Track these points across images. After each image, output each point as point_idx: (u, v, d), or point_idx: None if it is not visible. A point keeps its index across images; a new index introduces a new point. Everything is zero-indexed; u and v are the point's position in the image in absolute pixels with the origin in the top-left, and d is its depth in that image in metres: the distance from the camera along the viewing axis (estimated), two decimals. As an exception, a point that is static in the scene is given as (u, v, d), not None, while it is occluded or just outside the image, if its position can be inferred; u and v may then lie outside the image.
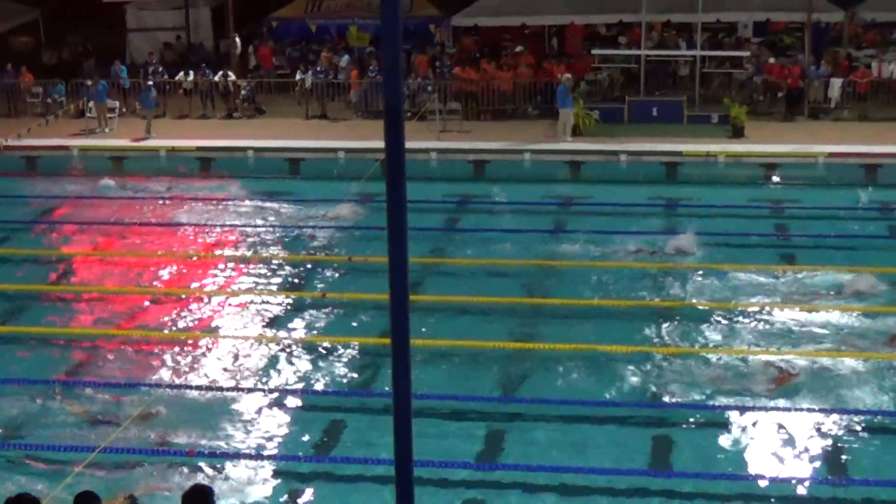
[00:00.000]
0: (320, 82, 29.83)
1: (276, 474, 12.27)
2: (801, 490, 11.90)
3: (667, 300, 17.18)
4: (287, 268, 19.07)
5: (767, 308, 16.50)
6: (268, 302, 17.48)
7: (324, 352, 15.42)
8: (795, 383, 14.02)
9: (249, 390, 14.30)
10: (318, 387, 14.50)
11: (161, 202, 23.29)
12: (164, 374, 14.78)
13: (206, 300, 17.72)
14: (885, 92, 28.37)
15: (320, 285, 18.12)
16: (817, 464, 12.37)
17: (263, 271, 18.89)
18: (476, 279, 18.22)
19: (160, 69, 30.92)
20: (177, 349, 15.67)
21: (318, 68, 30.35)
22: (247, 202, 23.06)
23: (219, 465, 12.30)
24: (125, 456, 12.34)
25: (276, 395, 14.20)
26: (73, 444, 12.62)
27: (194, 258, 19.85)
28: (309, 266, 19.16)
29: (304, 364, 15.10)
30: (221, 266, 19.32)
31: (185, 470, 12.06)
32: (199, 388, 14.33)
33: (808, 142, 25.39)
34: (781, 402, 13.53)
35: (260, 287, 18.14)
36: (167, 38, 35.12)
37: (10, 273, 19.17)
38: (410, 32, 32.46)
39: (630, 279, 17.97)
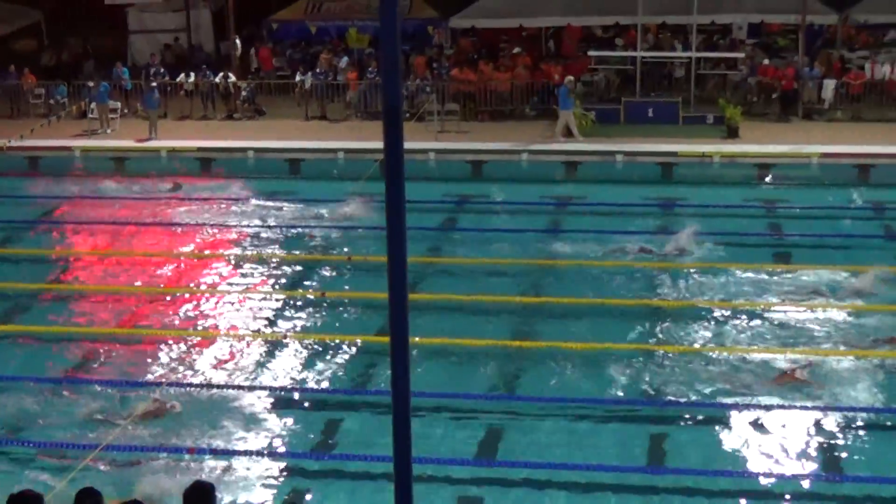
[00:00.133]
0: (320, 83, 29.84)
1: (275, 471, 12.25)
2: (802, 486, 11.87)
3: (662, 299, 17.18)
4: (285, 267, 19.07)
5: (762, 306, 16.51)
6: (265, 300, 17.48)
7: (321, 349, 15.41)
8: (789, 380, 14.02)
9: (249, 388, 14.28)
10: (319, 384, 14.49)
11: (162, 202, 23.29)
12: (166, 372, 14.76)
13: (204, 298, 17.69)
14: (877, 93, 28.41)
15: (320, 284, 18.11)
16: (817, 460, 12.35)
17: (262, 270, 18.89)
18: (474, 278, 18.22)
19: (161, 70, 30.95)
20: (178, 347, 15.65)
21: (318, 70, 30.37)
22: (247, 202, 23.05)
23: (220, 463, 12.28)
24: (127, 454, 12.33)
25: (275, 392, 14.19)
26: (77, 441, 12.61)
27: (193, 257, 19.84)
28: (308, 265, 19.15)
29: (300, 361, 15.08)
30: (219, 265, 19.30)
31: (187, 467, 12.05)
32: (201, 385, 14.30)
33: (801, 142, 25.41)
34: (776, 400, 13.52)
35: (258, 285, 18.13)
36: (168, 40, 35.13)
37: (13, 272, 19.16)
38: (409, 34, 32.48)
39: (626, 278, 17.97)
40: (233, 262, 19.40)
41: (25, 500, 7.15)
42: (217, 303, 17.51)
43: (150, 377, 14.64)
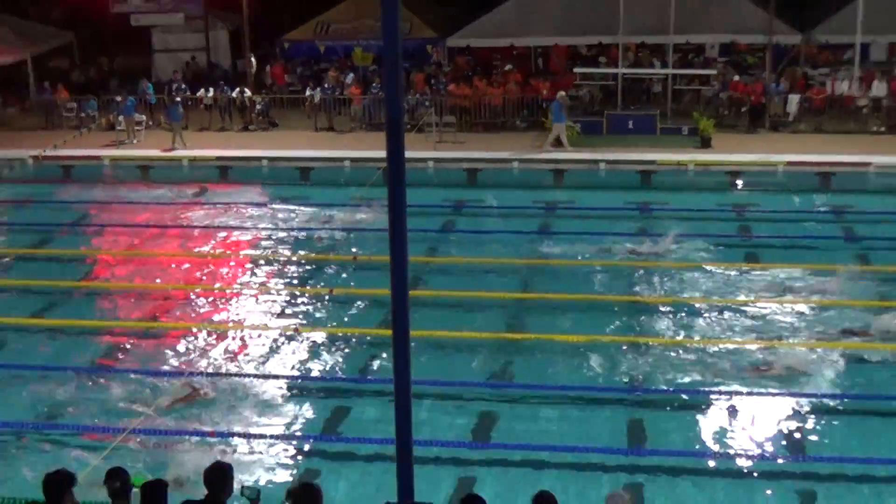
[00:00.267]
0: (328, 98, 29.86)
1: (290, 452, 12.23)
2: (774, 464, 11.86)
3: (642, 294, 17.17)
4: (295, 266, 19.04)
5: (734, 301, 16.51)
6: (276, 296, 17.46)
7: (328, 341, 15.39)
8: (761, 370, 14.03)
9: (263, 376, 14.26)
10: (325, 373, 14.48)
11: (185, 206, 23.29)
12: (188, 363, 14.74)
13: (222, 296, 17.67)
14: (837, 107, 28.44)
15: (327, 281, 18.09)
16: (785, 441, 12.35)
17: (274, 268, 18.87)
18: (470, 276, 18.22)
19: (183, 86, 30.99)
20: (200, 340, 15.63)
21: (326, 85, 30.39)
22: (261, 207, 23.08)
23: (240, 446, 12.26)
24: (153, 437, 12.31)
25: (288, 380, 14.17)
26: (107, 425, 12.61)
27: (212, 257, 19.82)
28: (317, 264, 19.14)
29: (309, 352, 15.07)
30: (234, 264, 19.30)
31: (209, 450, 12.02)
32: (222, 375, 14.27)
33: (769, 152, 25.43)
34: (748, 387, 13.54)
35: (270, 283, 18.11)
36: (188, 59, 35.16)
37: (50, 270, 19.13)
38: (409, 53, 32.43)
39: (609, 275, 17.96)
40: (248, 261, 19.39)
41: (60, 478, 7.15)
42: (233, 300, 17.48)
43: (177, 367, 14.59)
